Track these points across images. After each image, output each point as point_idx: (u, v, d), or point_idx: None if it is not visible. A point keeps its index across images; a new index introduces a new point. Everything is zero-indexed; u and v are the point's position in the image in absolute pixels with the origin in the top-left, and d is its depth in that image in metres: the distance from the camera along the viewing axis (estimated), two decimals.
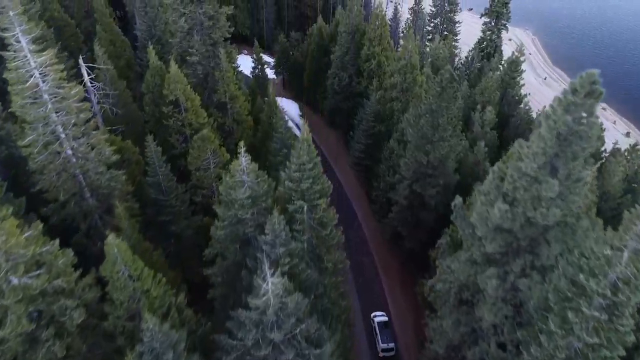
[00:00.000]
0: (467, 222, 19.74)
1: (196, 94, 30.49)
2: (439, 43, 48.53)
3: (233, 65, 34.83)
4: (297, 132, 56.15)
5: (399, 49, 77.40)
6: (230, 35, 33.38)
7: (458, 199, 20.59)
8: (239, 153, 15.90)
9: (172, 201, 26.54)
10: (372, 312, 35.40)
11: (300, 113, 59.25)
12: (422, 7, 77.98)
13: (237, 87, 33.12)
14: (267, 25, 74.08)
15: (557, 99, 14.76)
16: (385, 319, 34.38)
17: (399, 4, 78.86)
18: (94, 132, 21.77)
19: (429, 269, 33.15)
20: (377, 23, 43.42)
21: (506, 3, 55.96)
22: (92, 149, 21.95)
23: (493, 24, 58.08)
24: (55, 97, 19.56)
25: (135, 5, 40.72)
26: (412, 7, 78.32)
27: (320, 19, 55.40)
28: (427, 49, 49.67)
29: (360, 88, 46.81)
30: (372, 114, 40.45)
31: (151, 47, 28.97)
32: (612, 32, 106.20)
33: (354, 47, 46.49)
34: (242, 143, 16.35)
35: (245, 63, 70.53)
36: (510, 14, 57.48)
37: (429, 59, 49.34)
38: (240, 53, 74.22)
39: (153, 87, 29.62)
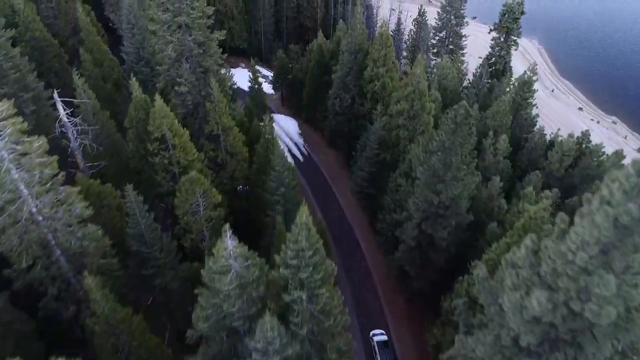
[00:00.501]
0: (493, 297, 16.96)
1: (185, 127, 27.76)
2: (446, 62, 45.81)
3: (227, 90, 32.04)
4: (296, 151, 53.45)
5: (403, 65, 74.94)
6: (223, 61, 30.64)
7: (481, 269, 17.78)
8: (224, 233, 13.17)
9: (156, 253, 23.74)
10: None
11: (300, 131, 56.55)
12: (426, 19, 75.38)
13: (230, 118, 30.35)
14: (265, 37, 71.38)
15: (614, 179, 11.94)
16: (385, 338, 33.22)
17: (401, 12, 76.20)
18: (62, 188, 18.99)
19: (439, 312, 30.46)
20: (381, 43, 40.68)
21: (516, 18, 53.26)
22: (61, 205, 19.18)
23: (502, 39, 55.38)
24: (13, 153, 16.79)
25: (121, 27, 37.96)
26: (416, 19, 75.70)
27: (320, 35, 52.70)
28: (434, 68, 46.94)
29: (363, 110, 44.07)
30: (376, 141, 37.71)
31: (134, 79, 26.18)
32: (619, 41, 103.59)
33: (357, 67, 43.77)
34: (227, 226, 13.58)
35: (242, 77, 67.93)
36: (520, 30, 54.81)
37: (435, 77, 46.70)
38: (237, 66, 71.66)
39: (137, 121, 26.85)
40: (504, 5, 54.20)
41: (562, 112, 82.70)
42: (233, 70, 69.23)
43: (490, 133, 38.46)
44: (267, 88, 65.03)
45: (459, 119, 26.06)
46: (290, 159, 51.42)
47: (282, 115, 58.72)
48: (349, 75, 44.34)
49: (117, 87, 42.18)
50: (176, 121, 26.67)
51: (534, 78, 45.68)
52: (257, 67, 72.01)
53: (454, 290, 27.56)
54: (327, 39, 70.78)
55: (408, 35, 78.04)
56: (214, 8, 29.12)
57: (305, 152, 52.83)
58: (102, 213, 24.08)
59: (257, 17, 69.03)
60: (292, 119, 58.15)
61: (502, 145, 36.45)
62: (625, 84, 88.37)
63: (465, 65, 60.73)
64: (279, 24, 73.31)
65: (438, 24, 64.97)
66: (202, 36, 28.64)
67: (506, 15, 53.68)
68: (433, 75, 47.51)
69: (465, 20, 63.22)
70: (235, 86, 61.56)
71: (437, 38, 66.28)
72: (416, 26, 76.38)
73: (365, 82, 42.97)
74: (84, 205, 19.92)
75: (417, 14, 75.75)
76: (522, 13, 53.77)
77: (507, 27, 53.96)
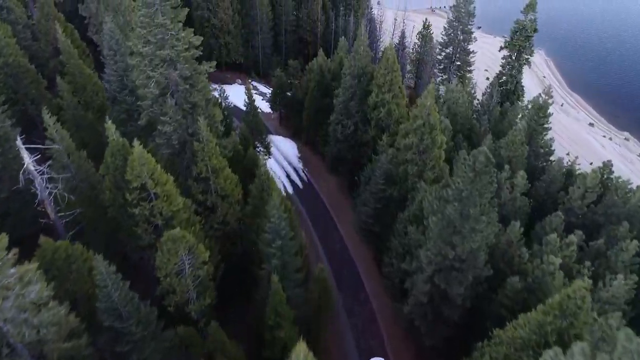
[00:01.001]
0: None
1: (170, 171, 24.66)
2: (456, 85, 42.74)
3: (217, 127, 28.92)
4: (295, 177, 50.30)
5: (407, 79, 71.88)
6: (211, 97, 27.55)
7: None
8: None
9: (132, 328, 20.56)
10: None
11: (299, 154, 53.43)
12: (431, 32, 72.43)
13: (221, 158, 27.22)
14: (262, 51, 68.35)
15: None
16: None
17: (405, 25, 73.23)
18: (12, 271, 15.84)
19: None
20: (387, 67, 37.61)
21: (529, 36, 50.26)
22: (12, 290, 16.02)
23: (514, 58, 52.37)
24: None
25: (103, 54, 34.89)
26: (420, 32, 72.73)
27: (320, 53, 49.61)
28: (440, 84, 43.86)
29: (367, 138, 41.00)
30: (382, 176, 34.59)
31: (109, 121, 23.01)
32: (631, 52, 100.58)
33: (360, 91, 40.70)
34: None
35: (239, 93, 64.85)
36: (533, 48, 51.81)
37: (444, 102, 43.61)
38: (234, 82, 68.61)
39: (114, 169, 23.72)
40: (515, 23, 51.25)
41: (572, 128, 79.56)
42: (229, 87, 66.28)
43: (507, 167, 35.40)
44: (265, 106, 62.08)
45: (478, 166, 22.94)
46: (289, 186, 48.35)
47: (281, 137, 55.63)
48: (351, 100, 41.26)
49: (102, 113, 39.11)
50: (159, 167, 23.56)
51: (550, 101, 42.73)
52: (255, 83, 69.10)
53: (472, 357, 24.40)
54: (328, 57, 67.96)
55: (412, 48, 75.15)
56: (202, 38, 26.03)
57: (305, 178, 49.70)
58: (70, 279, 20.94)
59: (255, 31, 66.03)
60: (290, 140, 55.06)
61: (520, 182, 33.35)
62: (637, 97, 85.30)
63: (473, 83, 57.63)
64: (278, 38, 70.31)
65: (444, 39, 61.96)
66: (188, 69, 25.53)
67: (518, 33, 50.68)
68: (442, 99, 44.45)
69: (473, 36, 60.18)
70: (231, 105, 58.73)
71: (443, 54, 63.25)
72: (421, 40, 73.62)
73: (370, 108, 39.90)
74: (43, 287, 16.76)
75: (422, 27, 73.00)
76: (535, 30, 50.81)
77: (519, 45, 50.93)
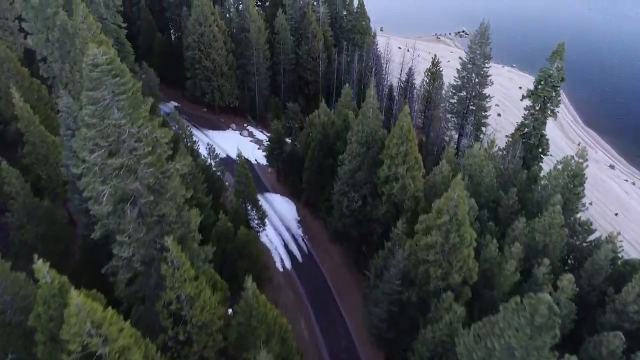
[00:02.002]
0: None
1: (124, 320, 18.61)
2: (479, 149, 36.95)
3: (193, 235, 22.96)
4: (293, 247, 44.29)
5: (416, 119, 66.27)
6: (188, 208, 21.66)
7: None
8: None
9: None
10: None
11: (298, 217, 47.48)
12: (440, 69, 67.15)
13: (197, 283, 21.23)
14: (259, 93, 62.85)
15: None
16: None
17: (413, 65, 67.89)
18: None
19: None
20: (401, 136, 31.92)
21: (556, 86, 44.69)
22: None
23: (538, 108, 46.78)
24: None
25: (60, 132, 29.15)
26: (429, 70, 67.44)
27: (322, 107, 43.91)
28: (464, 158, 38.05)
29: (377, 214, 35.11)
30: (398, 275, 28.59)
31: (39, 261, 17.02)
32: None
33: (369, 160, 34.96)
34: None
35: (232, 141, 59.26)
36: (560, 99, 46.26)
37: (463, 167, 37.74)
38: (227, 128, 62.97)
39: (47, 320, 17.70)
40: (540, 71, 45.76)
41: (592, 171, 73.32)
42: (222, 134, 60.68)
43: (546, 261, 29.48)
44: (261, 156, 56.48)
45: (539, 320, 16.99)
46: (287, 259, 42.37)
47: (278, 195, 49.73)
48: (359, 170, 35.46)
49: (64, 193, 33.30)
50: (110, 314, 17.60)
51: (584, 165, 37.14)
52: (251, 128, 63.53)
53: None
54: (329, 100, 62.46)
55: (420, 85, 69.75)
56: (172, 132, 20.25)
57: (305, 248, 43.63)
58: None
59: (251, 72, 60.56)
60: (289, 200, 49.13)
61: (566, 286, 27.27)
62: None
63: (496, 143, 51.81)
64: (276, 77, 64.86)
65: (457, 83, 56.48)
66: (153, 175, 19.68)
67: (543, 82, 45.13)
68: (461, 164, 38.71)
69: (489, 79, 54.69)
70: (224, 155, 52.98)
71: (456, 98, 57.72)
72: (430, 78, 68.33)
73: (381, 181, 34.10)
74: None
75: (431, 64, 67.75)
76: (563, 80, 45.31)
77: (545, 96, 45.37)
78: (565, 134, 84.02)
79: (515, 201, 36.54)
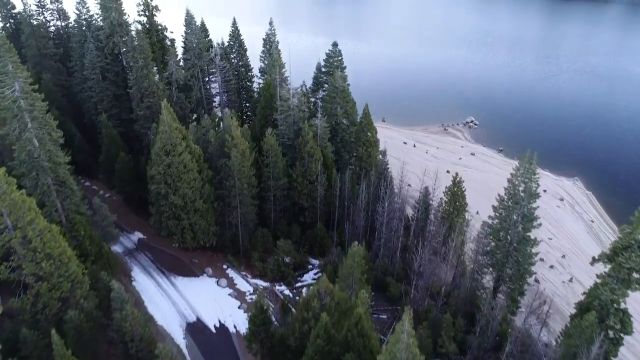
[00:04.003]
0: None
1: None
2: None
3: None
4: None
5: (429, 247, 53.47)
6: None
7: None
8: None
9: None
10: None
11: None
12: (463, 188, 55.61)
13: None
14: (243, 228, 50.38)
15: None
16: None
17: (429, 191, 56.28)
18: None
19: None
20: None
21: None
22: None
23: (617, 279, 34.15)
24: None
25: None
26: (449, 188, 55.78)
27: (324, 277, 31.01)
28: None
29: None
30: None
31: None
32: None
33: None
34: None
35: (208, 297, 46.10)
36: None
37: None
38: (202, 274, 49.80)
39: None
40: (621, 232, 33.66)
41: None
42: (193, 284, 47.42)
43: None
44: (241, 320, 43.07)
45: None
46: None
47: None
48: None
49: None
50: None
51: None
52: (232, 273, 50.36)
53: None
54: (330, 228, 50.06)
55: (438, 206, 57.70)
56: None
57: None
58: None
59: (232, 205, 48.41)
60: None
61: None
62: None
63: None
64: (264, 205, 52.83)
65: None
66: None
67: (629, 250, 32.86)
68: None
69: (537, 223, 42.56)
70: (192, 318, 39.57)
71: (492, 242, 45.32)
72: (450, 198, 56.70)
73: None
74: None
75: (452, 182, 56.42)
76: None
77: (632, 267, 32.96)
78: (599, 240, 71.89)
79: None
